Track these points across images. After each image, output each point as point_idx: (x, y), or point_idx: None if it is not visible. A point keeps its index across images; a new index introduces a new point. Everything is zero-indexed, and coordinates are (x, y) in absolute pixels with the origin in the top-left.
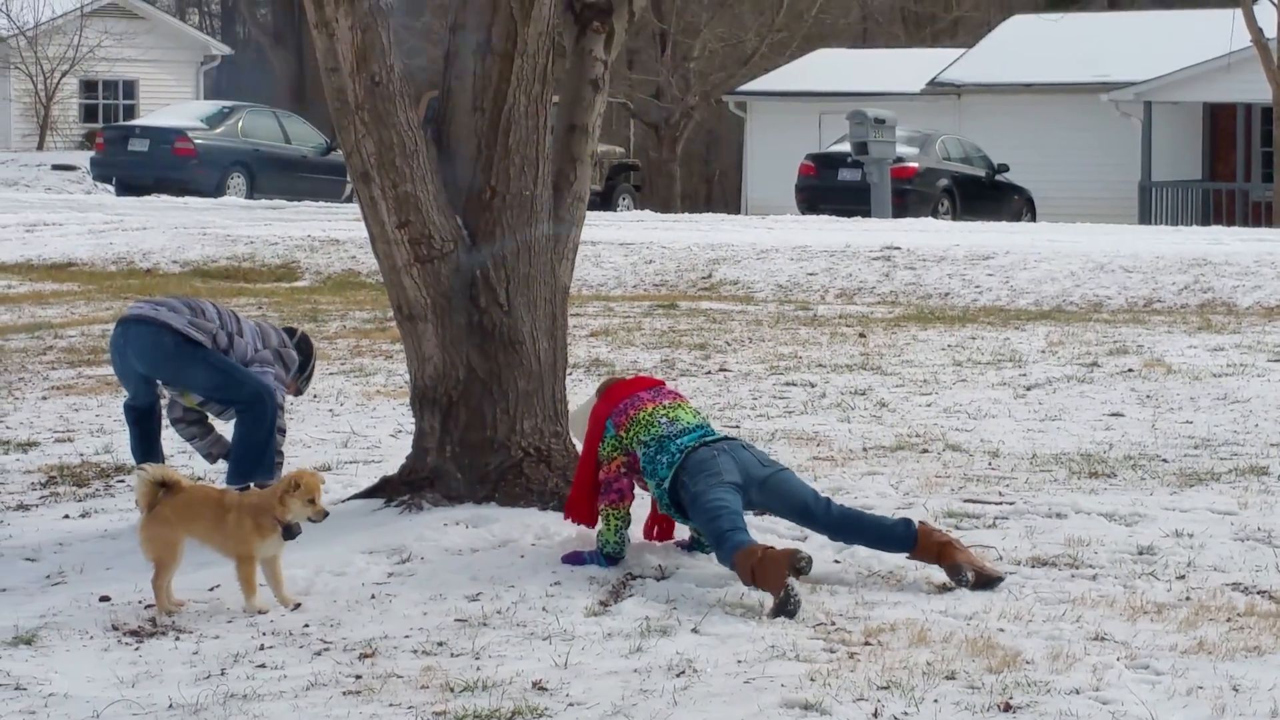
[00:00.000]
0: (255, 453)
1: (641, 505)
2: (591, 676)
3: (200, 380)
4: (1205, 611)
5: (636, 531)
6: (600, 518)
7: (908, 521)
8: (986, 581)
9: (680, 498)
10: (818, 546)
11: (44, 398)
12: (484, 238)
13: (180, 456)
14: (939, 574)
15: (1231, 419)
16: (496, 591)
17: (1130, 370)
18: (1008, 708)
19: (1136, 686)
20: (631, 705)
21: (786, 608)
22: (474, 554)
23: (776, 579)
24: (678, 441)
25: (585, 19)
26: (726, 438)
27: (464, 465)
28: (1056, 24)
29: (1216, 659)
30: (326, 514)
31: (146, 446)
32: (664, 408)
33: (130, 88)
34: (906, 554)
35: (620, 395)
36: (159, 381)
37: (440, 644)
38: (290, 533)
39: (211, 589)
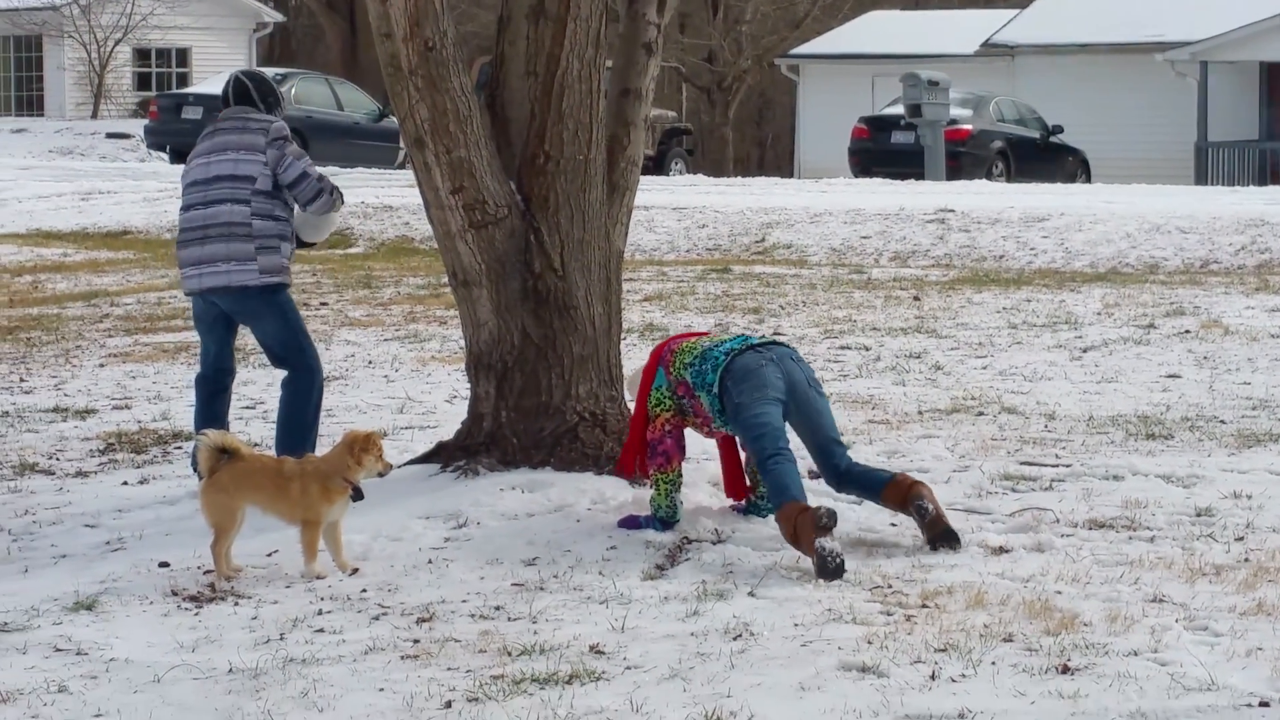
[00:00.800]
0: (304, 426)
1: (704, 463)
2: (648, 640)
3: (269, 329)
4: (1264, 573)
5: (719, 498)
6: (651, 483)
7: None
8: (945, 533)
9: (726, 406)
10: (873, 509)
11: (101, 365)
12: (538, 203)
13: (237, 423)
14: (995, 537)
15: None
16: (553, 556)
17: (1187, 331)
18: (1066, 670)
19: (1195, 648)
20: (689, 668)
21: (827, 569)
22: (530, 518)
23: (808, 542)
24: (721, 348)
25: None
26: (775, 343)
27: (519, 430)
28: None
29: (1276, 620)
30: (391, 465)
31: (210, 418)
32: (707, 337)
33: (183, 55)
34: (879, 499)
35: (669, 343)
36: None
37: (497, 608)
38: (359, 494)
39: (269, 554)
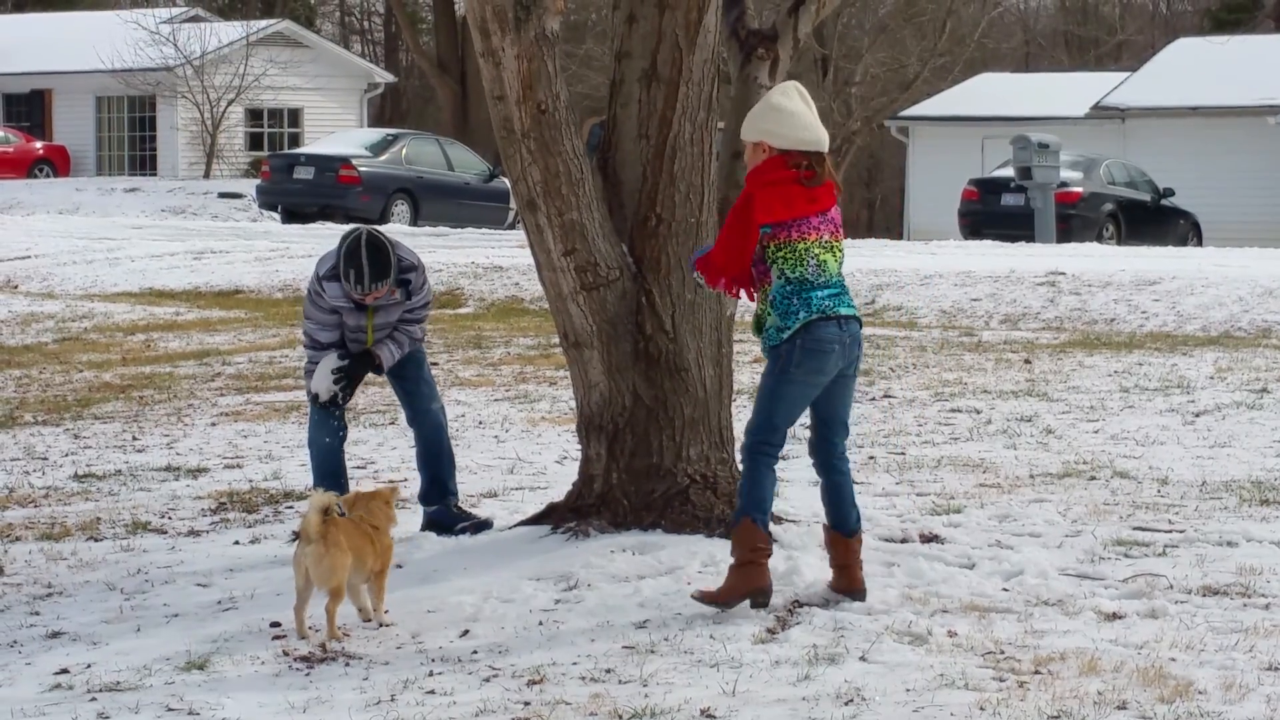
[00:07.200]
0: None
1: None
2: (760, 704)
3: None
4: None
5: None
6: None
7: (858, 518)
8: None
9: (779, 349)
10: (985, 574)
11: (213, 424)
12: (650, 265)
13: (356, 472)
14: (1108, 603)
15: None
16: (664, 618)
17: None
18: None
19: None
20: None
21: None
22: (641, 580)
23: (735, 593)
24: (818, 295)
25: (750, 46)
26: (854, 318)
27: (630, 492)
28: (1222, 46)
29: None
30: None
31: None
32: (820, 245)
33: (295, 116)
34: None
35: (792, 205)
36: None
37: (608, 671)
38: None
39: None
